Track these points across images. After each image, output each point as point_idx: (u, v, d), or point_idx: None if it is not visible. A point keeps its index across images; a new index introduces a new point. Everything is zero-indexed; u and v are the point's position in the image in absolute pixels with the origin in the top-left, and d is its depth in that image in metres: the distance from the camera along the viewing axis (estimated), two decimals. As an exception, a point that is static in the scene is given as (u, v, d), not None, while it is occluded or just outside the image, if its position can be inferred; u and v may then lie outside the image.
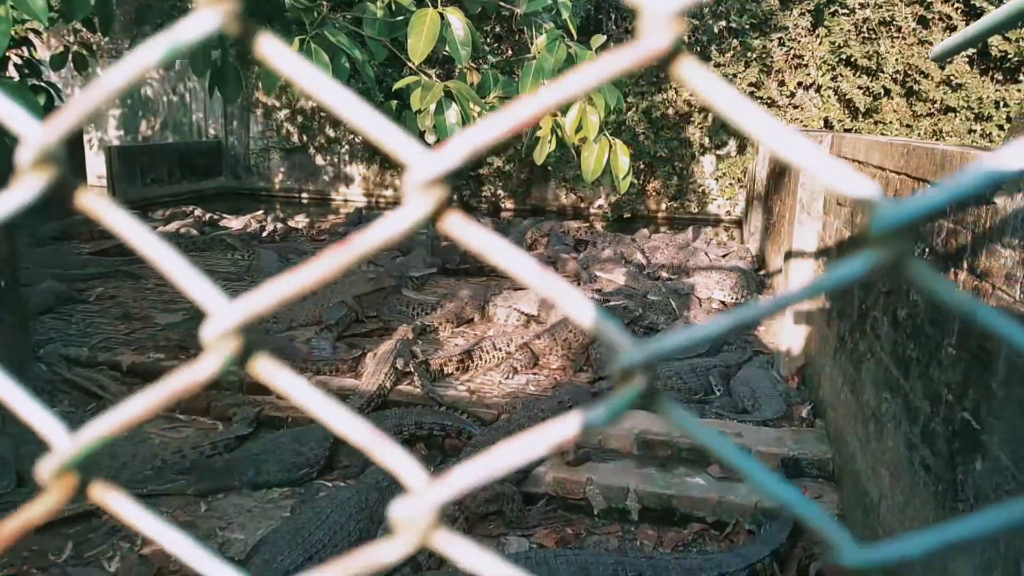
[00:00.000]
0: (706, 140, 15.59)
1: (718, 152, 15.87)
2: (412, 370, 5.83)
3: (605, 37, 3.96)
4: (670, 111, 15.34)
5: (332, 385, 5.76)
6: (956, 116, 13.87)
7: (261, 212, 13.09)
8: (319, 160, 17.95)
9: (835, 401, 4.83)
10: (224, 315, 0.46)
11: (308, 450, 4.88)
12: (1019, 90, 13.40)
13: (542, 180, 16.71)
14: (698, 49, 15.12)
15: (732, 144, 15.68)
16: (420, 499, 0.44)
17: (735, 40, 14.86)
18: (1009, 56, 13.18)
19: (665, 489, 4.52)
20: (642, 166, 15.49)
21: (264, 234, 11.73)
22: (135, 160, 15.76)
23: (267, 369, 0.48)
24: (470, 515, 4.29)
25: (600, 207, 16.73)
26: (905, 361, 3.34)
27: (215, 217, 12.84)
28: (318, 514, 4.01)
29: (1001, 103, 13.54)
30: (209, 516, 4.39)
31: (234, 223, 12.46)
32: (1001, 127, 13.64)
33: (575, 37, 3.94)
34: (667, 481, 4.61)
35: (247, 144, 18.19)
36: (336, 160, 17.89)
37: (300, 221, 13.06)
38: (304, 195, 18.07)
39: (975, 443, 2.40)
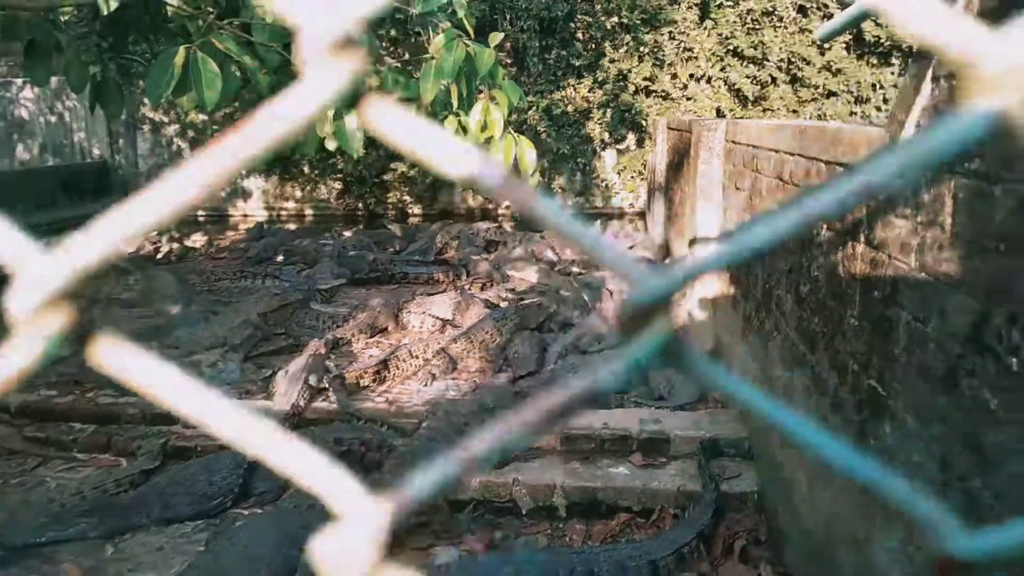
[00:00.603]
0: (606, 135, 15.86)
1: (618, 147, 16.17)
2: (327, 386, 5.65)
3: (503, 35, 3.93)
4: (570, 108, 15.53)
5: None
6: (838, 100, 14.60)
7: (155, 233, 12.49)
8: (214, 175, 17.27)
9: (746, 380, 4.96)
10: (43, 273, 0.32)
11: (220, 479, 4.65)
12: (892, 72, 14.23)
13: (448, 184, 16.62)
14: (592, 46, 15.36)
15: (631, 138, 16.01)
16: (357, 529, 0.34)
17: (628, 35, 15.17)
18: (881, 41, 13.97)
19: (590, 482, 4.53)
20: (546, 164, 15.63)
21: (159, 256, 11.20)
22: (12, 187, 14.76)
23: (113, 353, 0.35)
24: (395, 529, 4.16)
25: (508, 207, 16.76)
26: (811, 335, 3.45)
27: (105, 241, 12.15)
28: (235, 546, 3.81)
29: (877, 85, 14.36)
30: (117, 559, 4.12)
31: (126, 246, 11.84)
32: (879, 108, 14.45)
33: (472, 36, 3.89)
34: (592, 473, 4.63)
35: (135, 163, 17.33)
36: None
37: (197, 240, 12.53)
38: (200, 212, 17.36)
39: (882, 408, 2.48)
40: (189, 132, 16.90)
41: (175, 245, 11.60)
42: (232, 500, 4.62)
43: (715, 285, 6.19)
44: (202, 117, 16.50)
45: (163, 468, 5.01)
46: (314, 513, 4.31)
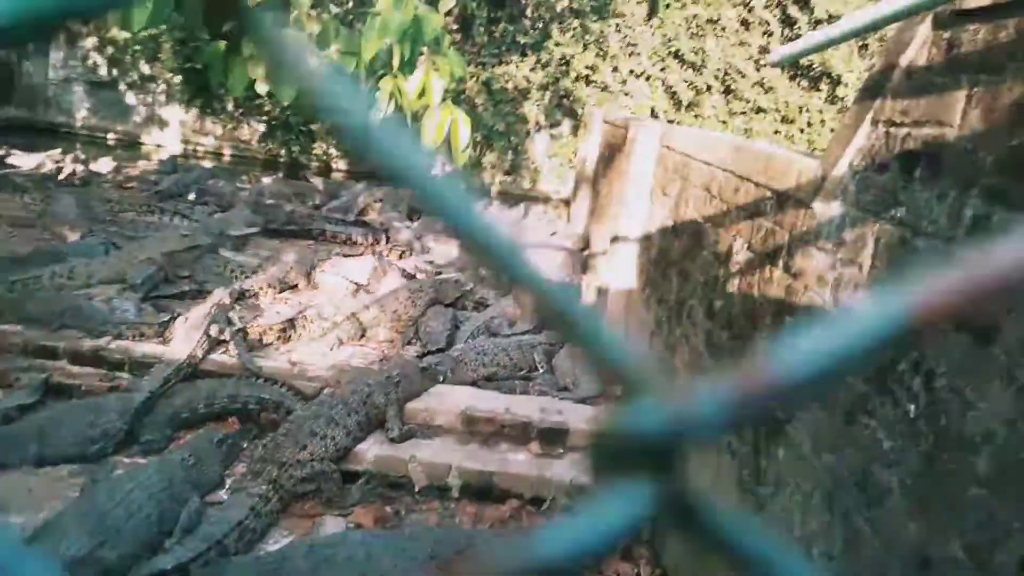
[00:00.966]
0: (542, 118, 15.85)
1: (552, 132, 16.20)
2: (228, 338, 5.45)
3: (453, 1, 3.82)
4: (509, 85, 15.43)
5: (136, 351, 5.25)
6: (766, 116, 15.06)
7: (59, 151, 11.68)
8: (130, 98, 16.32)
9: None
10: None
11: (105, 422, 4.42)
12: (819, 98, 14.78)
13: (377, 143, 16.25)
14: (540, 25, 15.27)
15: (566, 125, 16.06)
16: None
17: (576, 21, 15.16)
18: (814, 66, 14.47)
19: (487, 466, 4.55)
20: (479, 138, 15.51)
21: (61, 176, 10.50)
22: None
23: None
24: (284, 494, 4.08)
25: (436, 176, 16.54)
26: (719, 349, 3.54)
27: (2, 153, 11.31)
28: (112, 494, 3.63)
29: (804, 108, 14.88)
30: (-21, 497, 3.87)
31: (26, 161, 11.04)
32: (801, 130, 15.00)
33: (422, -2, 3.77)
34: (489, 457, 4.65)
35: (45, 73, 16.15)
36: (150, 100, 16.35)
37: (105, 165, 11.81)
38: (111, 136, 16.38)
39: (780, 432, 2.58)
40: (109, 48, 15.86)
41: (79, 167, 10.90)
42: (115, 446, 4.41)
43: (631, 279, 6.30)
44: (124, 35, 15.52)
45: (42, 405, 4.73)
46: (200, 468, 4.16)
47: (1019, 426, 1.46)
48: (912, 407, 1.80)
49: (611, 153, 9.54)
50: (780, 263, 2.86)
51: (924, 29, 2.06)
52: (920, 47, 2.07)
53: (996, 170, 1.65)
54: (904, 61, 2.15)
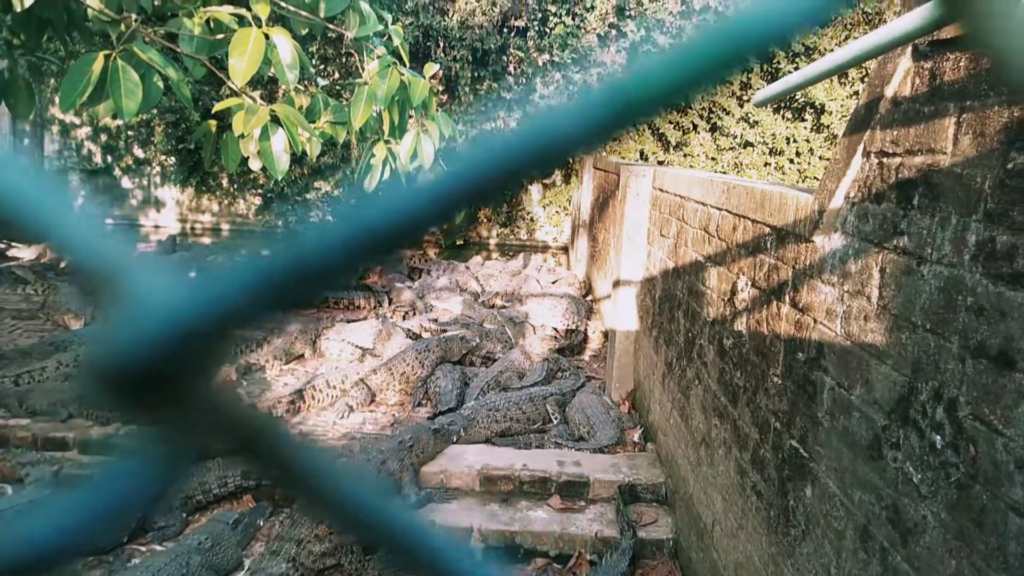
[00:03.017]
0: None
1: (544, 181, 16.37)
2: (237, 414, 5.40)
3: (438, 66, 3.90)
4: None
5: (144, 436, 5.20)
6: (754, 150, 15.23)
7: (57, 240, 11.77)
8: (126, 183, 16.55)
9: (665, 425, 5.02)
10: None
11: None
12: (804, 127, 14.97)
13: (372, 206, 16.41)
14: (523, 80, 15.57)
15: (558, 174, 16.24)
16: None
17: (557, 73, 15.45)
18: (796, 98, 14.70)
19: (508, 525, 4.47)
20: (472, 193, 15.69)
21: (62, 265, 10.56)
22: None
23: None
24: (305, 572, 4.00)
25: (433, 234, 16.67)
26: (733, 389, 3.51)
27: (1, 247, 11.41)
28: (129, 587, 3.56)
29: (791, 139, 15.06)
30: (-8, 601, 3.78)
31: (25, 253, 11.14)
32: (792, 160, 15.15)
33: (407, 63, 3.85)
34: (510, 516, 4.56)
35: (41, 165, 16.41)
36: (146, 183, 16.57)
37: (104, 250, 11.90)
38: (109, 221, 16.55)
39: (804, 470, 2.53)
40: (102, 136, 16.15)
41: (79, 255, 10.97)
42: (128, 535, 4.34)
43: (636, 322, 6.28)
44: (116, 122, 15.81)
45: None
46: (218, 551, 4.09)
47: (1051, 451, 1.43)
48: (938, 438, 1.77)
49: (604, 198, 9.63)
50: (787, 298, 2.85)
51: (905, 61, 2.09)
52: (903, 78, 2.10)
53: (995, 193, 1.65)
54: (889, 92, 2.18)
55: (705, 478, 3.87)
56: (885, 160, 2.18)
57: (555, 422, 5.95)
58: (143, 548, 4.31)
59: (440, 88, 15.50)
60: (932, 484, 1.77)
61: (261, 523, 4.57)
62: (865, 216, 2.26)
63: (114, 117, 3.32)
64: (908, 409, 1.89)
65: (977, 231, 1.70)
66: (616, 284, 6.64)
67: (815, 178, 15.18)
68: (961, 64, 1.83)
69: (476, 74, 15.43)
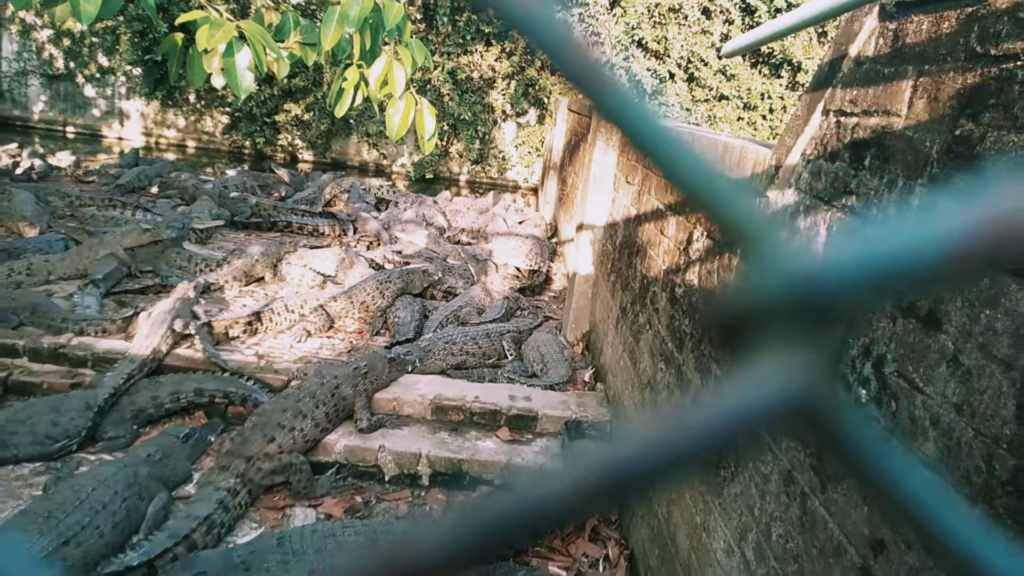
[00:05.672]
0: (508, 107, 15.79)
1: (519, 120, 16.15)
2: (193, 332, 5.36)
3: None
4: (475, 74, 15.34)
5: (98, 348, 5.14)
6: (728, 103, 15.16)
7: (15, 145, 11.37)
8: (89, 91, 15.92)
9: (615, 367, 5.11)
10: None
11: (67, 420, 4.33)
12: (780, 84, 14.90)
13: (343, 133, 16.08)
14: (499, 20, 15.19)
15: (532, 113, 16.02)
16: None
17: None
18: (775, 54, 14.59)
19: (456, 453, 4.55)
20: (446, 127, 15.43)
21: (18, 171, 10.23)
22: None
23: None
24: (252, 487, 4.04)
25: (403, 166, 16.44)
26: (680, 335, 3.57)
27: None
28: (76, 492, 3.56)
29: (766, 95, 15.00)
30: (-63, 500, 3.77)
31: (-21, 156, 10.74)
32: (764, 116, 15.13)
33: (383, -14, 3.72)
34: (459, 445, 4.64)
35: (-1, 65, 15.69)
36: (110, 93, 15.97)
37: (64, 159, 11.53)
38: (70, 129, 15.99)
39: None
40: (65, 41, 15.43)
41: (37, 161, 10.62)
42: (78, 443, 4.33)
43: (596, 266, 6.32)
44: (80, 27, 15.10)
45: (2, 404, 4.63)
46: (167, 463, 4.11)
47: (964, 411, 1.49)
48: (864, 392, 1.83)
49: (576, 141, 9.55)
50: (737, 251, 2.88)
51: (871, 20, 2.08)
52: (868, 37, 2.09)
53: (941, 159, 1.67)
54: (853, 51, 2.17)
55: (648, 418, 3.96)
56: (843, 119, 2.19)
57: (510, 358, 6.02)
58: (91, 457, 4.31)
59: (418, 16, 15.05)
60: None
61: (212, 439, 4.59)
62: (819, 174, 2.27)
63: (74, 19, 3.17)
64: (838, 363, 1.95)
65: (920, 194, 1.72)
66: (580, 228, 6.65)
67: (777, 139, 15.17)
68: (924, 27, 1.82)
69: (456, 4, 15.00)
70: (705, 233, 3.39)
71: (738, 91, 14.97)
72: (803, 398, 0.26)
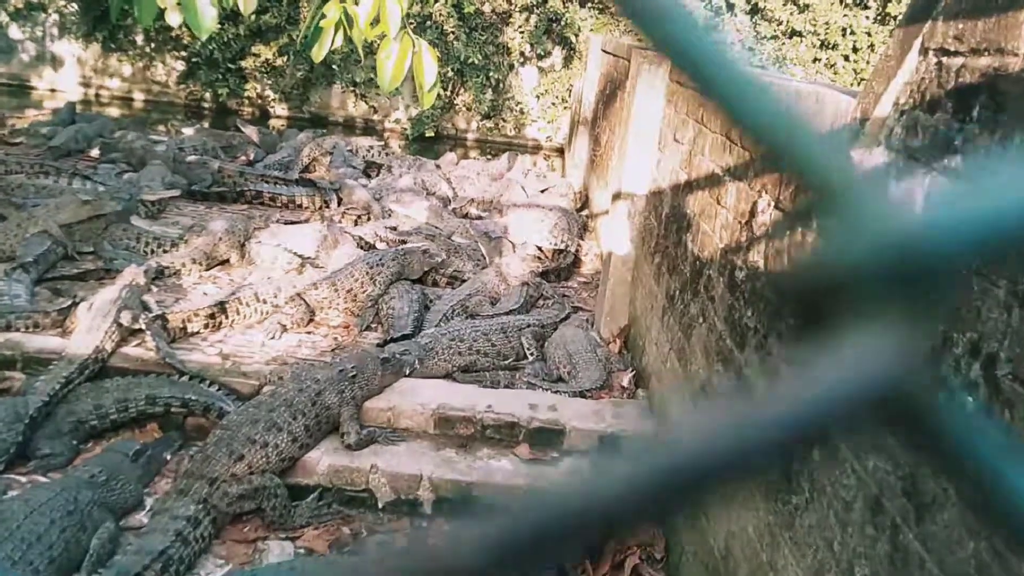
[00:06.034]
0: (527, 48, 15.73)
1: (540, 64, 16.09)
2: (143, 327, 5.42)
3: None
4: (486, 7, 15.28)
5: (29, 346, 5.22)
6: (802, 41, 15.02)
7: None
8: (14, 32, 16.05)
9: (660, 369, 5.11)
10: None
11: (-8, 435, 4.41)
12: (867, 18, 14.73)
13: (325, 82, 16.13)
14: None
15: (557, 55, 15.96)
16: None
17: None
18: (860, -22, 14.43)
19: (465, 475, 4.58)
20: (450, 74, 15.39)
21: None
22: None
23: None
24: (217, 516, 4.09)
25: (398, 121, 16.47)
26: (741, 330, 3.56)
27: None
28: (5, 522, 3.63)
29: (848, 30, 14.84)
30: None
31: None
32: (846, 57, 14.98)
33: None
34: (468, 465, 4.67)
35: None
36: (40, 34, 16.08)
37: (-16, 116, 11.65)
38: (-8, 79, 16.14)
39: (813, 430, 2.60)
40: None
41: (-47, 118, 10.76)
42: (5, 462, 4.39)
43: (637, 245, 6.31)
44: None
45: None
46: (114, 486, 4.16)
47: (1094, 420, 1.48)
48: (970, 399, 1.82)
49: (612, 90, 9.52)
50: (813, 223, 2.86)
51: (984, -66, 2.05)
52: (979, -43, 2.06)
53: (1069, 108, 1.65)
54: None
55: (709, 409, 3.97)
56: (945, 60, 2.16)
57: (530, 358, 6.04)
58: (22, 479, 4.38)
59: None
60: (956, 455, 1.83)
61: (168, 456, 4.64)
62: (914, 128, 2.25)
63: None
64: (938, 364, 1.94)
65: (1043, 154, 1.70)
66: (617, 197, 6.64)
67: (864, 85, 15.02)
68: (1049, -57, 1.80)
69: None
70: (773, 202, 3.38)
71: (813, 26, 14.82)
72: (897, 386, 0.26)
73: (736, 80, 0.33)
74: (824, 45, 15.03)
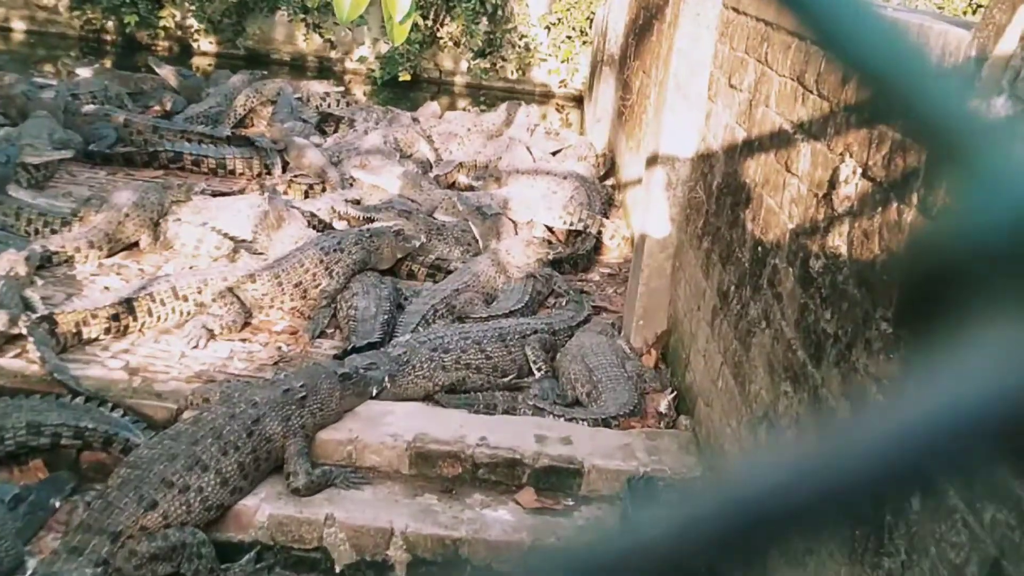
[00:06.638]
0: (534, -38, 15.74)
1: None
2: (25, 332, 5.42)
3: None
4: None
5: None
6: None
7: None
8: None
9: (710, 389, 5.11)
10: None
11: None
12: (985, -73, 14.75)
13: (265, 9, 16.13)
14: None
15: (575, -28, 15.95)
16: None
17: None
18: None
19: (450, 530, 4.58)
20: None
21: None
22: None
23: None
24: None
25: (363, 60, 16.46)
26: (817, 337, 3.56)
27: None
28: None
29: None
30: None
31: None
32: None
33: None
34: (454, 516, 4.68)
35: None
36: None
37: None
38: None
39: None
40: None
41: None
42: None
43: (679, 225, 6.30)
44: None
45: None
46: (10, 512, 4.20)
47: None
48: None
49: (647, 19, 9.52)
50: (914, 198, 2.87)
51: None
52: None
53: None
54: None
55: (788, 438, 3.97)
56: (1091, -20, 2.16)
57: (538, 374, 6.04)
58: None
59: None
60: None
61: (56, 504, 4.64)
62: (1049, 70, 2.25)
63: None
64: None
65: None
66: (653, 162, 6.63)
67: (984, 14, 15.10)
68: None
69: None
70: (860, 169, 3.38)
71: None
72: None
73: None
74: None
